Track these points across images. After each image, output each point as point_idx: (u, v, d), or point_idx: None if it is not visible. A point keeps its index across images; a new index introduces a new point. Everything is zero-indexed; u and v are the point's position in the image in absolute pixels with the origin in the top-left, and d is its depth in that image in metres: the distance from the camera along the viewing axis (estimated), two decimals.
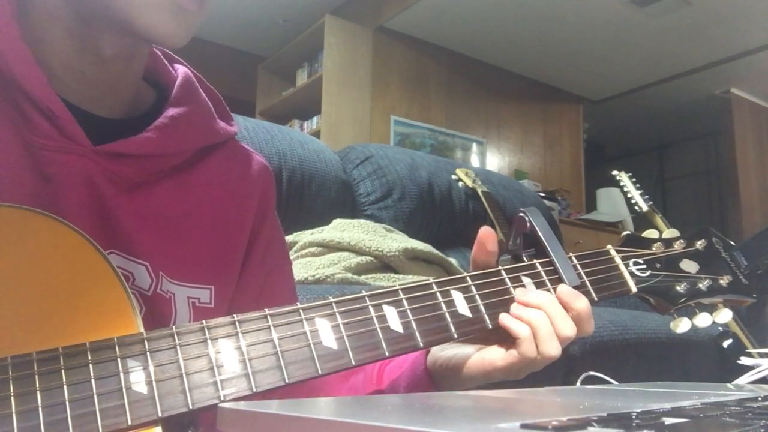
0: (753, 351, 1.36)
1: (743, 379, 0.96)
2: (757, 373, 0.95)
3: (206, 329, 0.46)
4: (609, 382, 1.16)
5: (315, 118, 4.33)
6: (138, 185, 0.62)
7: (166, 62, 0.71)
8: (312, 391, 0.67)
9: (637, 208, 1.95)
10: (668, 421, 0.31)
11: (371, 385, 0.67)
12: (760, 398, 0.45)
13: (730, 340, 1.60)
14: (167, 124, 0.63)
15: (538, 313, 0.55)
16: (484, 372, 0.57)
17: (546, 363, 0.55)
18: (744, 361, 1.04)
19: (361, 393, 0.66)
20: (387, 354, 0.51)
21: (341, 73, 4.21)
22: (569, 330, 0.55)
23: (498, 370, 0.56)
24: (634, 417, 0.31)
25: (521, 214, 0.63)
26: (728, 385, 0.75)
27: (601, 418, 0.30)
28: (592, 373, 1.19)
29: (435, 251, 1.69)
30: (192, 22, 0.58)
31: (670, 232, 0.69)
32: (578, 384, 1.17)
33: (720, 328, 1.64)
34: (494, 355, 0.57)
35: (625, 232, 0.68)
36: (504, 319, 0.56)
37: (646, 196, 1.95)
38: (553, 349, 0.54)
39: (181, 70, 0.70)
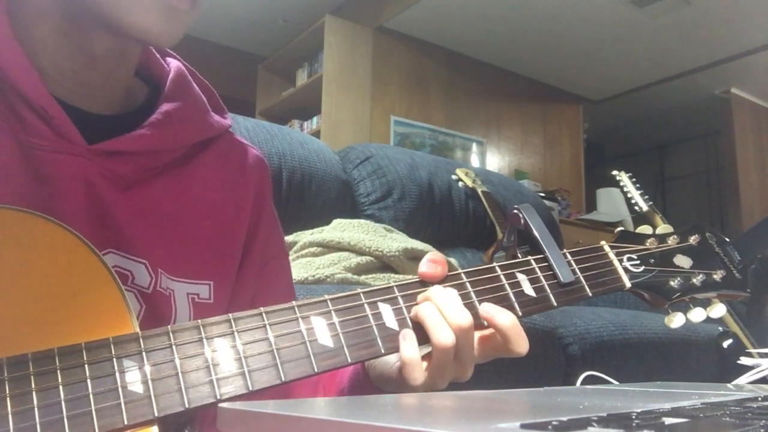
0: (753, 351, 1.36)
1: (743, 379, 0.96)
2: (757, 373, 0.95)
3: (201, 328, 0.46)
4: (609, 382, 1.16)
5: (315, 118, 4.32)
6: (134, 182, 0.61)
7: (158, 56, 0.70)
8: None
9: (637, 208, 1.95)
10: (668, 421, 0.30)
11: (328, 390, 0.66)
12: (760, 398, 0.45)
13: (730, 340, 1.60)
14: (161, 120, 0.63)
15: (425, 304, 0.53)
16: (406, 380, 0.53)
17: (448, 359, 0.52)
18: (744, 361, 1.03)
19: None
20: (383, 351, 0.51)
21: (341, 73, 4.21)
22: (461, 317, 0.52)
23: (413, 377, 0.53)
24: (634, 417, 0.30)
25: (515, 211, 0.63)
26: (728, 385, 0.75)
27: (601, 418, 0.30)
28: (592, 373, 1.19)
29: (435, 251, 1.68)
30: (184, 21, 0.57)
31: (663, 228, 0.69)
32: (578, 384, 1.17)
33: (720, 328, 1.64)
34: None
35: (619, 228, 0.68)
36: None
37: (646, 196, 1.95)
38: (444, 337, 0.51)
39: (174, 64, 0.70)
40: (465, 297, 0.56)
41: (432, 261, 0.57)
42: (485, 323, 0.55)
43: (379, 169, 1.96)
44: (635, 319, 1.55)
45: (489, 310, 0.55)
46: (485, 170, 2.75)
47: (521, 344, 0.54)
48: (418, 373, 0.52)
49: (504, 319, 0.54)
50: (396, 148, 2.96)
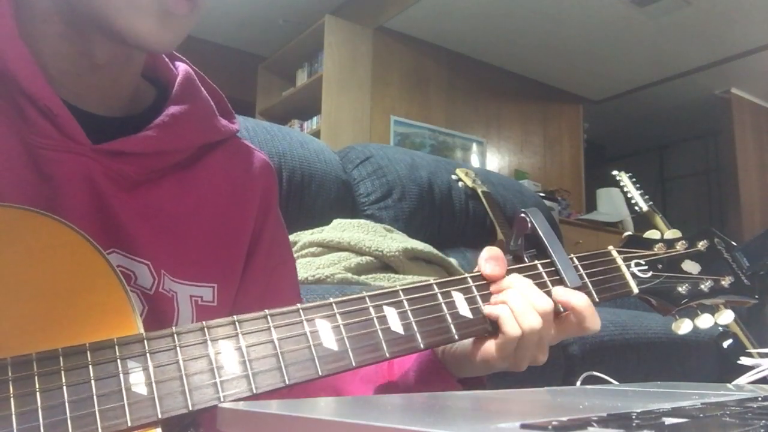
0: (753, 351, 1.36)
1: (743, 379, 0.96)
2: (757, 373, 0.95)
3: (206, 330, 0.46)
4: (609, 382, 1.16)
5: (315, 118, 4.32)
6: (139, 184, 0.61)
7: (167, 60, 0.70)
8: (323, 385, 0.67)
9: (637, 208, 1.95)
10: (668, 421, 0.31)
11: (382, 374, 0.67)
12: (760, 398, 0.45)
13: (730, 340, 1.60)
14: (168, 122, 0.63)
15: (510, 291, 0.57)
16: (484, 361, 0.58)
17: (534, 341, 0.56)
18: (744, 361, 1.03)
19: (373, 383, 0.67)
20: (387, 355, 0.51)
21: (341, 73, 4.21)
22: (545, 303, 0.56)
23: (496, 358, 0.57)
24: (634, 417, 0.31)
25: (522, 215, 0.63)
26: (728, 385, 0.75)
27: (601, 418, 0.30)
28: (592, 373, 1.19)
29: (435, 251, 1.69)
30: (182, 26, 0.57)
31: (671, 233, 0.68)
32: (578, 384, 1.17)
33: (720, 328, 1.64)
34: (490, 344, 0.58)
35: (627, 233, 0.68)
36: (485, 309, 0.57)
37: (646, 196, 1.95)
38: (533, 321, 0.55)
39: (182, 68, 0.70)
40: (471, 301, 0.56)
41: (492, 259, 0.59)
42: (561, 307, 0.58)
43: (379, 169, 1.96)
44: (635, 319, 1.55)
45: (562, 293, 0.58)
46: (485, 170, 2.75)
47: (595, 322, 0.59)
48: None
49: (579, 300, 0.58)
50: (396, 148, 2.96)
